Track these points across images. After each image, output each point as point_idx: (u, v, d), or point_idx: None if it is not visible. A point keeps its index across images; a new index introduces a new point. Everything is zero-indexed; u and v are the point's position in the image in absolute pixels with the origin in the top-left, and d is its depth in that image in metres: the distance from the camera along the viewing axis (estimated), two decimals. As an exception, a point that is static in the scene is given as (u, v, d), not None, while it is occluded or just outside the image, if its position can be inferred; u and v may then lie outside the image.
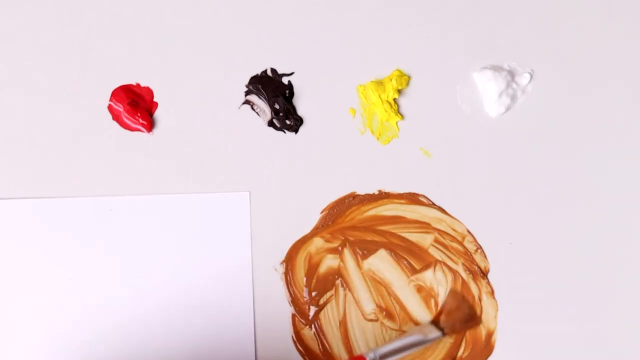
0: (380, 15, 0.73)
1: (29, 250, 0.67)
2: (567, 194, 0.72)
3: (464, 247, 0.71)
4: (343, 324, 0.69)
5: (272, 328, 0.68)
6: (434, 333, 0.67)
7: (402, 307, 0.69)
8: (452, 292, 0.68)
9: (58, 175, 0.68)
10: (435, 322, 0.68)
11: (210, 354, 0.67)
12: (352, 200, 0.70)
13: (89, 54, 0.70)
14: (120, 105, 0.70)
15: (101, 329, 0.67)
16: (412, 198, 0.71)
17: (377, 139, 0.71)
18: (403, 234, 0.70)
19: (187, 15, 0.71)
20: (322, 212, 0.70)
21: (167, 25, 0.71)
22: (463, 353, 0.69)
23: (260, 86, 0.71)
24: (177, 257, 0.68)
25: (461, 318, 0.68)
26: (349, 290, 0.69)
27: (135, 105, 0.69)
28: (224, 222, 0.69)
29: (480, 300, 0.70)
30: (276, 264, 0.69)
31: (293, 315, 0.69)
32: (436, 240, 0.71)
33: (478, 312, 0.68)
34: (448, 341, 0.68)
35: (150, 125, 0.70)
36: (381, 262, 0.70)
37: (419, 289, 0.70)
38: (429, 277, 0.70)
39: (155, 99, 0.70)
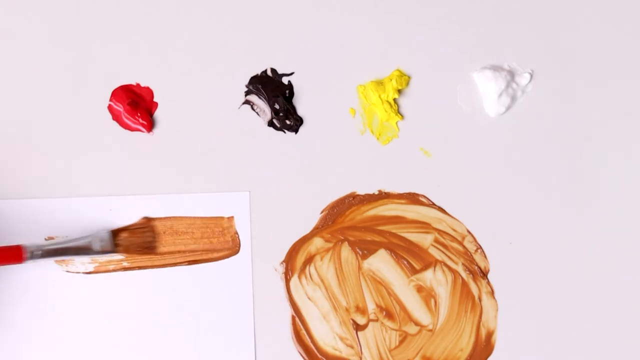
0: (380, 15, 0.73)
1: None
2: (567, 193, 0.72)
3: (464, 247, 0.71)
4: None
5: (272, 328, 0.68)
6: (106, 246, 0.66)
7: (402, 307, 0.69)
8: (146, 220, 0.68)
9: (58, 175, 0.68)
10: (114, 236, 0.66)
11: (210, 354, 0.67)
12: (352, 200, 0.70)
13: (89, 54, 0.70)
14: (120, 105, 0.70)
15: (100, 324, 0.67)
16: (412, 198, 0.71)
17: (377, 139, 0.71)
18: (403, 234, 0.70)
19: (187, 15, 0.71)
20: (322, 212, 0.70)
21: (167, 26, 0.71)
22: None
23: (260, 86, 0.71)
24: (176, 257, 0.68)
25: (140, 243, 0.67)
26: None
27: (135, 105, 0.69)
28: (224, 222, 0.69)
29: (480, 300, 0.70)
30: (276, 264, 0.69)
31: (293, 316, 0.69)
32: (436, 240, 0.71)
33: (159, 246, 0.68)
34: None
35: (150, 125, 0.70)
36: (381, 262, 0.70)
37: (419, 289, 0.70)
38: (429, 277, 0.70)
39: (155, 99, 0.70)
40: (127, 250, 0.67)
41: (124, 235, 0.66)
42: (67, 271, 0.67)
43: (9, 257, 0.62)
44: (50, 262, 0.67)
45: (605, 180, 0.72)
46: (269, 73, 0.71)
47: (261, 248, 0.69)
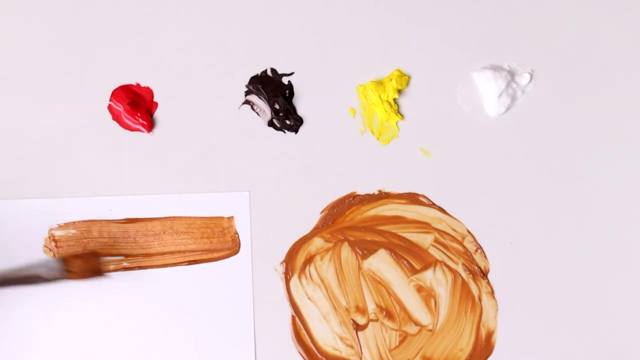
0: (380, 15, 0.73)
1: (29, 250, 0.67)
2: (567, 193, 0.72)
3: (464, 247, 0.71)
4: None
5: (272, 328, 0.68)
6: (56, 273, 0.64)
7: (402, 307, 0.69)
8: (93, 251, 0.67)
9: (58, 175, 0.69)
10: (65, 263, 0.65)
11: (210, 354, 0.67)
12: (352, 200, 0.70)
13: (89, 54, 0.70)
14: (120, 105, 0.70)
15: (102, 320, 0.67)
16: (412, 198, 0.71)
17: (377, 139, 0.71)
18: (403, 234, 0.70)
19: (187, 15, 0.71)
20: (322, 212, 0.70)
21: (167, 26, 0.71)
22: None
23: (260, 86, 0.71)
24: (176, 257, 0.68)
25: (89, 269, 0.66)
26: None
27: (135, 105, 0.69)
28: (224, 222, 0.69)
29: (480, 300, 0.70)
30: (276, 264, 0.69)
31: (293, 316, 0.69)
32: (436, 240, 0.71)
33: (104, 268, 0.67)
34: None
35: (150, 125, 0.70)
36: (381, 262, 0.70)
37: (419, 289, 0.70)
38: (429, 277, 0.70)
39: (155, 99, 0.70)
40: (79, 276, 0.65)
41: (76, 262, 0.65)
42: None
43: None
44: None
45: (605, 180, 0.72)
46: (269, 73, 0.71)
47: (261, 248, 0.69)
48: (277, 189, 0.70)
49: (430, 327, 0.69)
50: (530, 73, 0.73)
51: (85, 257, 0.65)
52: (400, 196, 0.71)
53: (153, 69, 0.71)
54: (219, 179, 0.70)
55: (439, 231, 0.71)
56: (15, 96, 0.69)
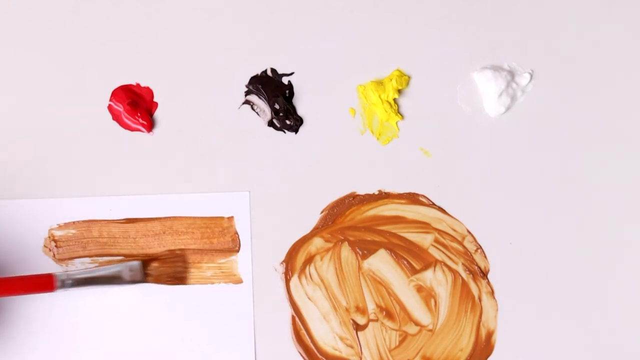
0: (380, 15, 0.73)
1: (29, 250, 0.67)
2: (567, 193, 0.72)
3: (464, 247, 0.71)
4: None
5: (272, 328, 0.68)
6: (136, 275, 0.66)
7: (402, 307, 0.69)
8: (179, 251, 0.68)
9: (58, 175, 0.69)
10: (144, 265, 0.66)
11: (210, 354, 0.67)
12: (352, 200, 0.70)
13: (89, 54, 0.70)
14: (120, 105, 0.70)
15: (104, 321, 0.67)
16: (412, 198, 0.71)
17: (377, 139, 0.71)
18: (403, 234, 0.70)
19: (187, 15, 0.72)
20: (322, 212, 0.70)
21: (167, 25, 0.71)
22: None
23: (260, 86, 0.71)
24: (177, 257, 0.68)
25: (170, 273, 0.67)
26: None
27: (135, 105, 0.69)
28: (224, 222, 0.69)
29: (480, 300, 0.70)
30: (276, 264, 0.69)
31: (293, 316, 0.69)
32: (436, 240, 0.71)
33: (189, 276, 0.67)
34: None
35: (150, 125, 0.70)
36: (381, 262, 0.70)
37: (419, 289, 0.70)
38: (429, 277, 0.70)
39: (155, 99, 0.70)
40: (158, 280, 0.66)
41: (154, 265, 0.66)
42: (67, 272, 0.67)
43: (41, 286, 0.62)
44: (52, 263, 0.67)
45: (605, 180, 0.72)
46: (269, 73, 0.71)
47: (261, 248, 0.69)
48: (277, 189, 0.70)
49: (430, 327, 0.69)
50: (530, 73, 0.73)
51: (164, 260, 0.66)
52: (400, 196, 0.71)
53: (153, 69, 0.71)
54: (219, 179, 0.70)
55: (439, 231, 0.71)
56: (15, 96, 0.69)
